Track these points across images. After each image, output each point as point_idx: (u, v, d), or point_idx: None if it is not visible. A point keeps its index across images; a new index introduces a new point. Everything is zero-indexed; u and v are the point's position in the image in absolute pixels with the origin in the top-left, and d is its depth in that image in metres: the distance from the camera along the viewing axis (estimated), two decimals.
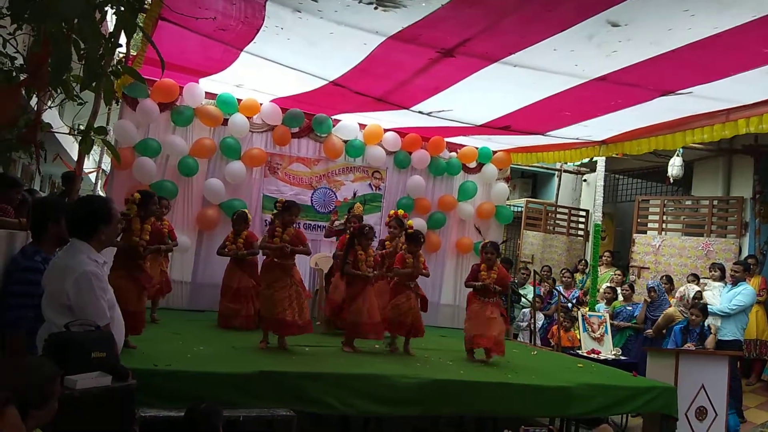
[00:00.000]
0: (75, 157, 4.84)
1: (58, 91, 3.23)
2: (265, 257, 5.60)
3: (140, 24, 4.36)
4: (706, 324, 6.99)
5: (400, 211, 6.98)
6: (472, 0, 3.98)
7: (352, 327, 5.68)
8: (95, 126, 3.58)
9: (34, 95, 3.24)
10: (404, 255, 5.90)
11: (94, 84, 3.09)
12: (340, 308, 6.19)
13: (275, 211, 5.70)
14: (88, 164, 12.78)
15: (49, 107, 3.63)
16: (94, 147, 3.80)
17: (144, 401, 3.47)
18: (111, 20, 3.35)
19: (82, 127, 3.57)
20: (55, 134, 4.48)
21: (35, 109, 3.42)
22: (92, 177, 12.39)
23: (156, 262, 6.21)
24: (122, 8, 2.99)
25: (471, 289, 6.03)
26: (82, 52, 2.81)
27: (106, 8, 3.07)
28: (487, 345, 5.69)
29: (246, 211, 6.91)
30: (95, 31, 2.53)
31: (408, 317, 5.76)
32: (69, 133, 4.36)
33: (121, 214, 4.67)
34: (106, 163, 10.46)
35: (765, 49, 4.37)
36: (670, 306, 7.61)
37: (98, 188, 10.47)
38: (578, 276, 9.81)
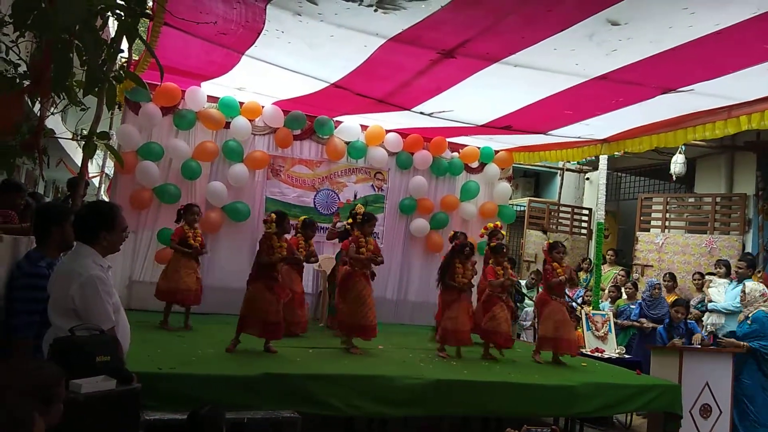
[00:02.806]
0: (78, 162, 4.88)
1: (61, 96, 3.26)
2: (343, 267, 5.91)
3: (142, 31, 4.39)
4: (705, 320, 6.98)
5: (498, 223, 7.32)
6: (471, 1, 4.00)
7: (444, 333, 5.95)
8: (98, 131, 3.61)
9: (37, 101, 3.26)
10: (494, 267, 6.17)
11: (96, 89, 3.11)
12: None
13: (350, 221, 6.09)
14: (92, 168, 12.82)
15: (52, 113, 3.65)
16: (98, 151, 3.83)
17: (149, 404, 3.49)
18: (113, 25, 3.38)
19: (84, 133, 3.59)
20: (59, 140, 4.51)
21: (38, 115, 3.44)
22: (96, 181, 12.44)
23: (192, 270, 6.27)
24: (123, 15, 3.02)
25: (542, 291, 6.34)
26: (84, 58, 2.83)
27: (107, 14, 3.10)
28: (567, 351, 5.95)
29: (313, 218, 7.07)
30: (96, 38, 2.55)
31: (503, 327, 5.93)
32: (72, 139, 4.39)
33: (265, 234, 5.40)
34: (110, 168, 10.51)
35: (766, 45, 4.37)
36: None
37: (102, 192, 10.51)
38: (582, 275, 9.80)
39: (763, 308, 6.25)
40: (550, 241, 6.78)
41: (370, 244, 5.76)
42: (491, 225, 7.28)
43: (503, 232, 7.15)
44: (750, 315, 6.31)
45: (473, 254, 6.24)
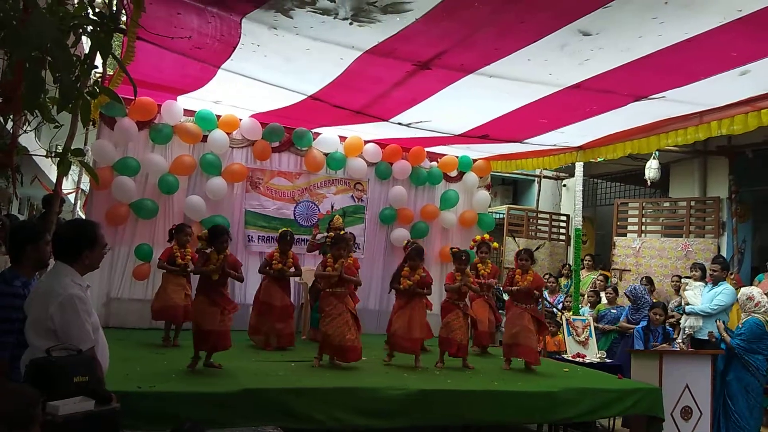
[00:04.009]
0: (53, 179, 4.81)
1: (35, 114, 3.22)
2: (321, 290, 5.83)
3: (116, 45, 4.36)
4: (683, 323, 7.08)
5: (486, 236, 7.33)
6: (446, 14, 4.03)
7: (390, 339, 5.94)
8: (73, 147, 3.57)
9: (10, 119, 3.22)
10: (453, 273, 6.18)
11: (70, 106, 3.08)
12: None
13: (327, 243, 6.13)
14: (67, 185, 12.66)
15: (25, 131, 3.61)
16: (73, 167, 3.79)
17: (128, 424, 3.44)
18: (87, 40, 3.35)
19: (59, 149, 3.55)
20: (33, 157, 4.45)
21: (11, 133, 3.40)
22: (71, 198, 12.27)
23: (180, 287, 6.26)
24: (97, 29, 3.00)
25: (509, 296, 6.30)
26: (57, 75, 2.81)
27: (80, 30, 3.08)
28: (524, 356, 5.93)
29: (290, 230, 6.95)
30: (68, 55, 2.53)
31: (457, 335, 5.89)
32: (46, 156, 4.34)
33: (199, 251, 5.40)
34: (85, 183, 10.38)
35: (733, 52, 4.47)
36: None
37: (78, 209, 10.37)
38: (563, 281, 9.89)
39: (756, 315, 6.35)
40: (520, 247, 6.86)
41: (338, 264, 5.60)
42: (479, 237, 7.34)
43: (495, 244, 7.19)
44: (743, 320, 6.45)
45: (421, 260, 6.09)
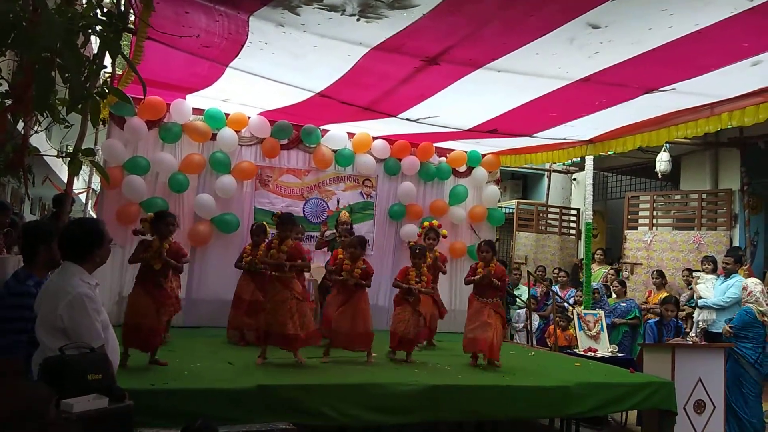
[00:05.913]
0: (64, 179, 4.85)
1: (45, 115, 3.25)
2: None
3: (125, 45, 4.38)
4: (696, 317, 7.05)
5: (435, 222, 7.15)
6: (452, 8, 4.02)
7: (333, 336, 5.64)
8: (83, 147, 3.59)
9: (21, 120, 3.25)
10: (407, 268, 6.01)
11: (79, 107, 3.10)
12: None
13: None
14: (78, 184, 12.76)
15: (36, 132, 3.64)
16: (84, 167, 3.82)
17: (142, 421, 3.46)
18: (96, 40, 3.37)
19: (70, 149, 3.58)
20: (44, 157, 4.49)
21: (22, 133, 3.43)
22: (82, 197, 12.36)
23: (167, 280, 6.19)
24: (105, 29, 3.01)
25: (471, 291, 6.07)
26: (66, 76, 2.82)
27: (89, 30, 3.09)
28: (482, 350, 5.72)
29: (265, 223, 6.87)
30: (77, 56, 2.55)
31: (400, 328, 5.77)
32: (57, 156, 4.37)
33: (137, 232, 4.98)
34: (96, 183, 10.45)
35: (744, 43, 4.44)
36: None
37: (89, 208, 10.44)
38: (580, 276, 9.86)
39: (748, 304, 6.37)
40: (482, 240, 6.66)
41: (285, 246, 5.32)
42: (427, 224, 7.13)
43: (443, 232, 7.01)
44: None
45: (361, 251, 5.86)
